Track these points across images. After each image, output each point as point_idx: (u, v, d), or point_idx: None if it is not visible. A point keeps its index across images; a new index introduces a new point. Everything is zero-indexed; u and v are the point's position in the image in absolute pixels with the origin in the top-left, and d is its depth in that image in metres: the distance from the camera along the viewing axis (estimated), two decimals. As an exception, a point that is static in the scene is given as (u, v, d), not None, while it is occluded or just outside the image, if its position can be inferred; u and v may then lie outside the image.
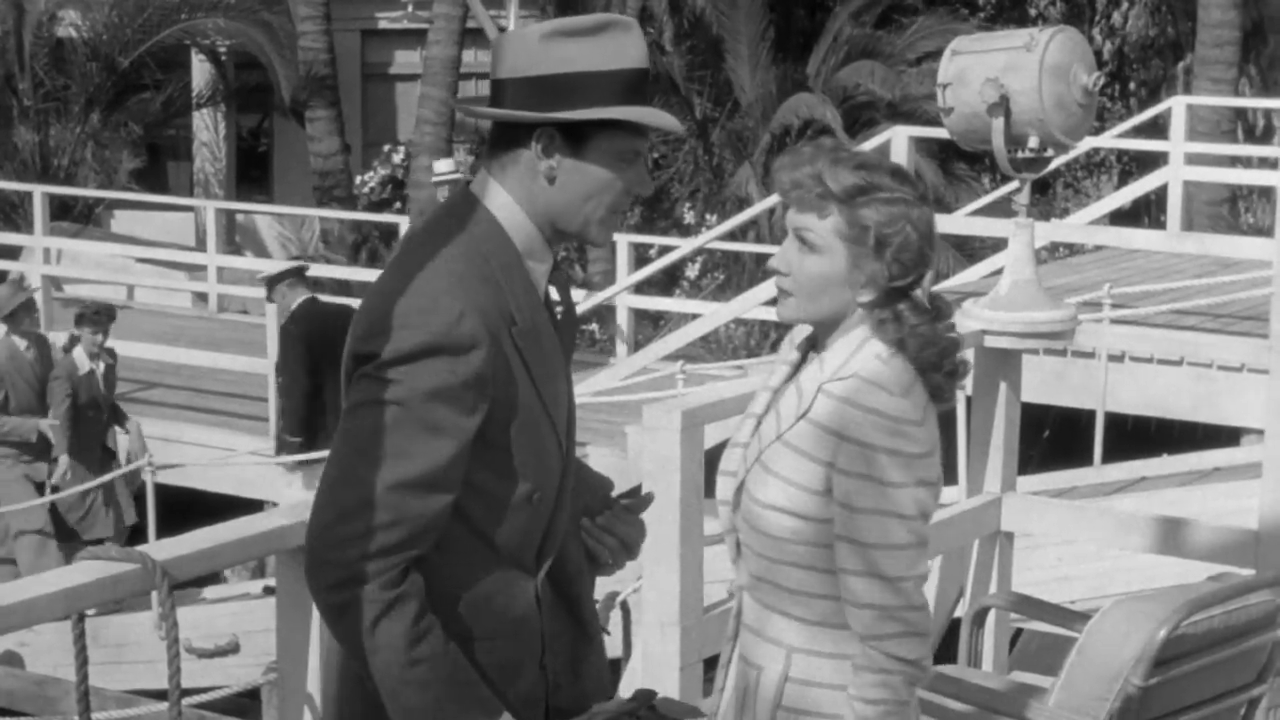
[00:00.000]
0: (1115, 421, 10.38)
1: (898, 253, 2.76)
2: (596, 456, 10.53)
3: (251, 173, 24.24)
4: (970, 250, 17.51)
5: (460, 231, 2.69)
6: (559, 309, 2.82)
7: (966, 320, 4.82)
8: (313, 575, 2.62)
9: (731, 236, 15.01)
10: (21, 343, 10.64)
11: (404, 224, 16.73)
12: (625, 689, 5.96)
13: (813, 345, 2.91)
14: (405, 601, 2.58)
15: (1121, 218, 16.91)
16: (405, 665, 2.58)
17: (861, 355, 2.79)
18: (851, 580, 2.76)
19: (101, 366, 10.68)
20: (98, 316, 10.66)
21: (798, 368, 2.92)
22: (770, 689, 2.88)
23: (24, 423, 10.45)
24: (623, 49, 2.68)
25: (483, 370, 2.59)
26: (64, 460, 10.37)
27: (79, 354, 10.61)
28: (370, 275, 14.47)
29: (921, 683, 2.84)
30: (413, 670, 2.59)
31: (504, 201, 2.71)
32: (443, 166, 12.72)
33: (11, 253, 16.43)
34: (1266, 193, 18.89)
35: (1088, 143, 14.93)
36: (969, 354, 4.91)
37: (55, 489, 10.47)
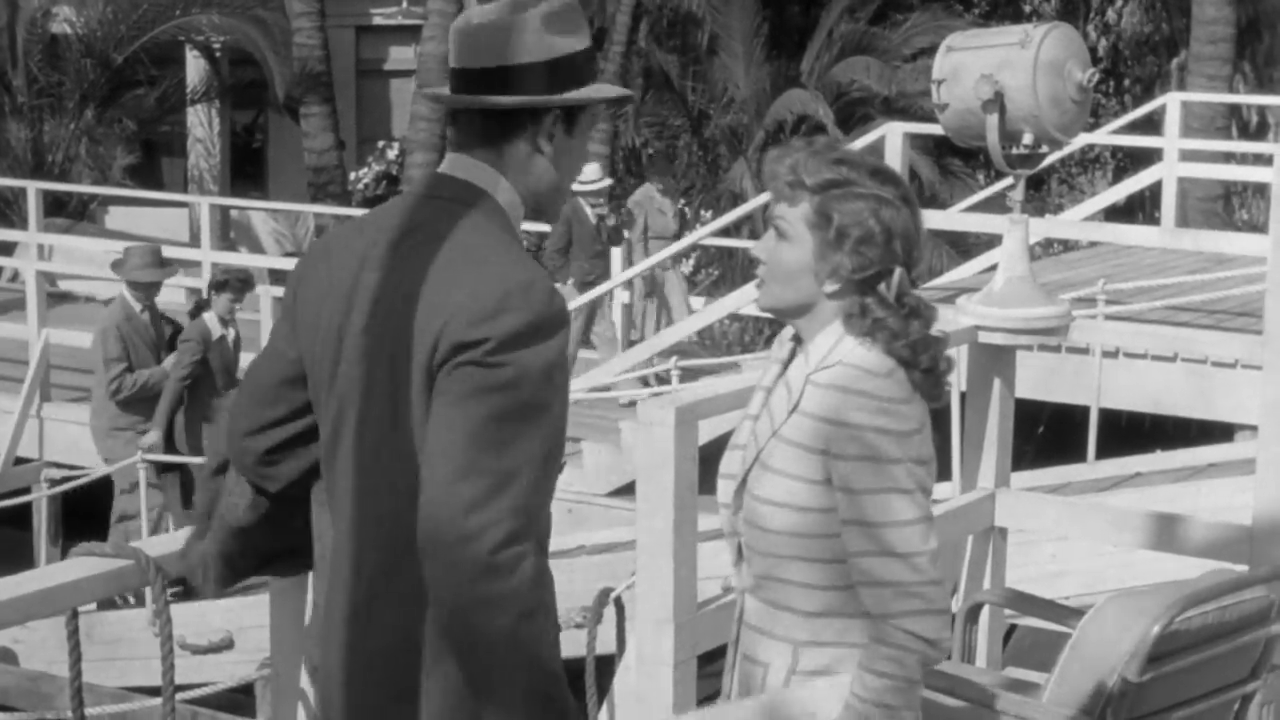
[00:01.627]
0: (1109, 417, 10.38)
1: (857, 245, 2.80)
2: (591, 452, 10.54)
3: (246, 169, 24.21)
4: (964, 246, 17.54)
5: (483, 217, 2.68)
6: None
7: (960, 316, 4.81)
8: (450, 570, 2.50)
9: (726, 232, 14.98)
10: (136, 305, 10.44)
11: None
12: (619, 685, 5.95)
13: (799, 341, 2.94)
14: (548, 575, 2.56)
15: (1116, 214, 16.91)
16: (549, 628, 2.55)
17: (844, 344, 2.83)
18: (864, 561, 2.76)
19: (232, 333, 10.47)
20: (240, 285, 10.44)
21: (787, 365, 2.95)
22: (777, 684, 2.88)
23: (158, 370, 10.30)
24: (584, 23, 2.74)
25: (567, 343, 2.63)
26: (152, 435, 10.07)
27: (211, 319, 10.35)
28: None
29: (936, 664, 2.83)
30: (547, 638, 2.56)
31: (500, 184, 2.71)
32: (592, 173, 12.04)
33: (5, 248, 16.39)
34: (1261, 189, 18.92)
35: (1082, 139, 14.96)
36: (961, 350, 4.91)
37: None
